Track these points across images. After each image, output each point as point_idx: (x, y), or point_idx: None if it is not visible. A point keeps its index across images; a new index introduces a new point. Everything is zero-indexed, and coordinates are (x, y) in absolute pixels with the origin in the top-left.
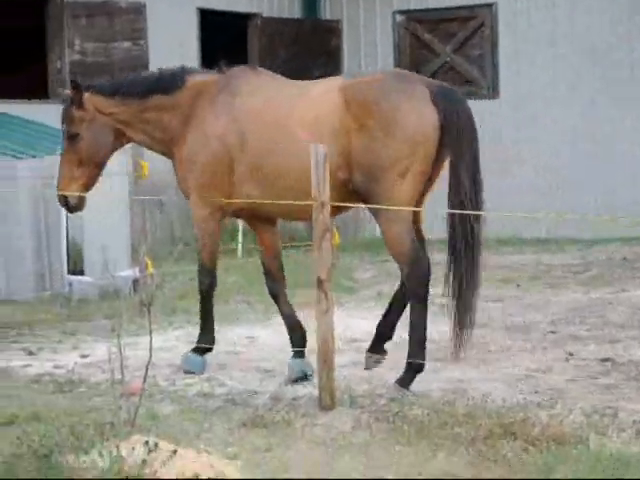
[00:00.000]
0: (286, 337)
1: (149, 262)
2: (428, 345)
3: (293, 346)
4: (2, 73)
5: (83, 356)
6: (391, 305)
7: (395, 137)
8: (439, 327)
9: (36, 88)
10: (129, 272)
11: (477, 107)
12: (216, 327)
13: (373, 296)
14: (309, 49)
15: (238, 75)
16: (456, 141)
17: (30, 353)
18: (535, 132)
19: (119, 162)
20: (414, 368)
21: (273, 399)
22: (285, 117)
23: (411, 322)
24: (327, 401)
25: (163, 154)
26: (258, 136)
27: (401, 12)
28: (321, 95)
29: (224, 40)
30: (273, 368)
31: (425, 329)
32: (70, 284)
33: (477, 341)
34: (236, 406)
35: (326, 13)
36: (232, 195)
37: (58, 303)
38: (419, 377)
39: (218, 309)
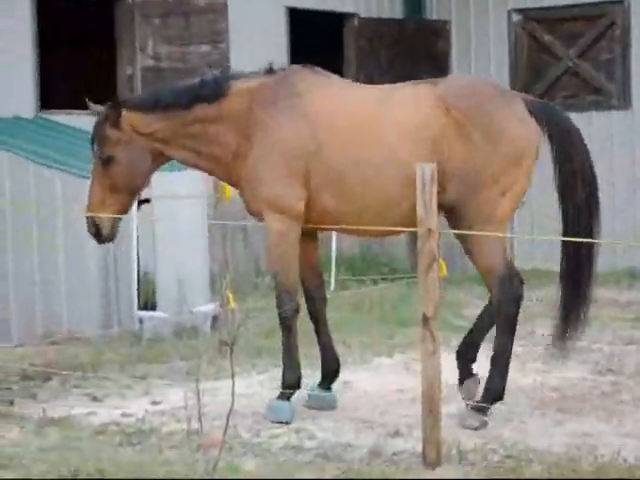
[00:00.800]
0: (387, 382)
1: (231, 296)
2: (550, 393)
3: (322, 380)
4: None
5: (155, 403)
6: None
7: (501, 150)
8: (562, 373)
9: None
10: (208, 307)
11: (605, 120)
12: (307, 371)
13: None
14: (412, 53)
15: (295, 75)
16: (567, 156)
17: (95, 399)
18: None
19: (197, 182)
20: (492, 396)
21: (371, 453)
22: (373, 122)
23: (496, 345)
24: (432, 456)
25: (211, 173)
26: (339, 141)
27: (518, 10)
28: (413, 100)
29: (317, 42)
30: (371, 418)
31: (510, 354)
32: (141, 321)
33: (607, 389)
34: (328, 461)
35: (432, 13)
36: (307, 207)
37: (127, 342)
38: (538, 430)
39: (310, 350)
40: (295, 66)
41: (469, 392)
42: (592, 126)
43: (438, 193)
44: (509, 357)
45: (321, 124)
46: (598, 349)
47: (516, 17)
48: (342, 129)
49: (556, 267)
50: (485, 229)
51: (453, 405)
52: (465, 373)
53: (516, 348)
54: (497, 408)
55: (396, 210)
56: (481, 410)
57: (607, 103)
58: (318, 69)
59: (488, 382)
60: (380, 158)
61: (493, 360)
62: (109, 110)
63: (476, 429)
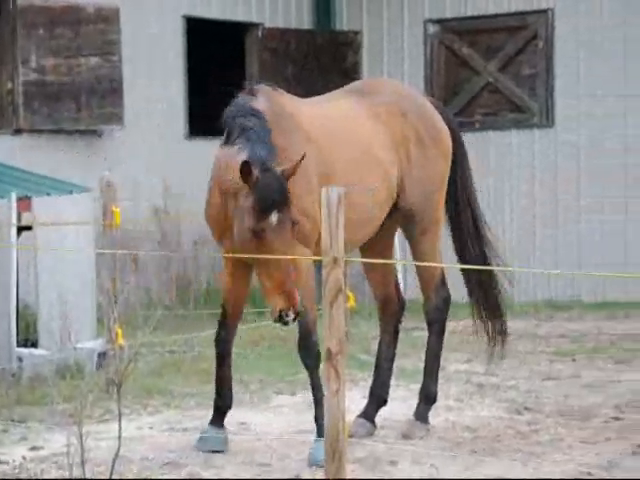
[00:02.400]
0: (289, 423)
1: (119, 331)
2: (463, 433)
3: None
4: None
5: (34, 449)
6: (378, 363)
7: (442, 153)
8: (476, 411)
9: None
10: (94, 343)
11: (527, 138)
12: (202, 411)
13: (394, 372)
14: (321, 66)
15: (274, 95)
16: (460, 157)
17: None
18: (598, 168)
19: (83, 208)
20: (431, 399)
21: None
22: (360, 137)
23: (429, 351)
24: None
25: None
26: (344, 160)
27: (434, 21)
28: (381, 110)
29: (219, 54)
30: (270, 462)
31: (440, 357)
32: (20, 359)
33: (523, 429)
34: None
35: (342, 23)
36: None
37: (4, 382)
38: (450, 473)
39: (203, 388)
40: (263, 86)
41: (362, 430)
42: (512, 145)
43: (399, 198)
44: (440, 360)
45: (325, 147)
46: (514, 386)
47: (432, 28)
48: (343, 147)
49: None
50: (433, 230)
51: (361, 448)
52: (368, 413)
53: None
54: (405, 450)
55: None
56: (424, 419)
57: (529, 121)
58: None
59: (425, 388)
60: (378, 175)
61: (427, 365)
62: (245, 172)
63: (421, 438)
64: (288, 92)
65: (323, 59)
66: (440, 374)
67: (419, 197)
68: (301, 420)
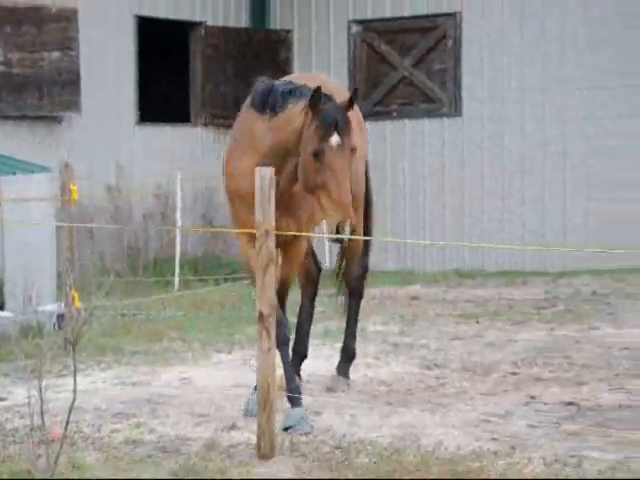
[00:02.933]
0: (226, 378)
1: (76, 295)
2: (379, 387)
3: None
4: None
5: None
6: (300, 324)
7: (365, 140)
8: (391, 367)
9: None
10: (53, 306)
11: (437, 126)
12: (148, 368)
13: (320, 333)
14: (257, 61)
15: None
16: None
17: None
18: (500, 154)
19: (44, 185)
20: (351, 357)
21: (207, 446)
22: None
23: (349, 314)
24: (266, 449)
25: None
26: None
27: (357, 22)
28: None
29: (166, 50)
30: (208, 412)
31: (358, 320)
32: None
33: (432, 383)
34: (167, 454)
35: (276, 23)
36: None
37: None
38: (367, 422)
39: (150, 347)
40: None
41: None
42: (425, 133)
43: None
44: (358, 322)
45: None
46: (425, 345)
47: (356, 28)
48: None
49: (389, 266)
50: (361, 208)
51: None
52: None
53: None
54: (328, 402)
55: None
56: (346, 374)
57: (439, 111)
58: None
59: (346, 347)
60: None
61: (348, 326)
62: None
63: (343, 392)
64: (227, 85)
65: (259, 55)
66: (360, 334)
67: (359, 179)
68: (237, 375)
